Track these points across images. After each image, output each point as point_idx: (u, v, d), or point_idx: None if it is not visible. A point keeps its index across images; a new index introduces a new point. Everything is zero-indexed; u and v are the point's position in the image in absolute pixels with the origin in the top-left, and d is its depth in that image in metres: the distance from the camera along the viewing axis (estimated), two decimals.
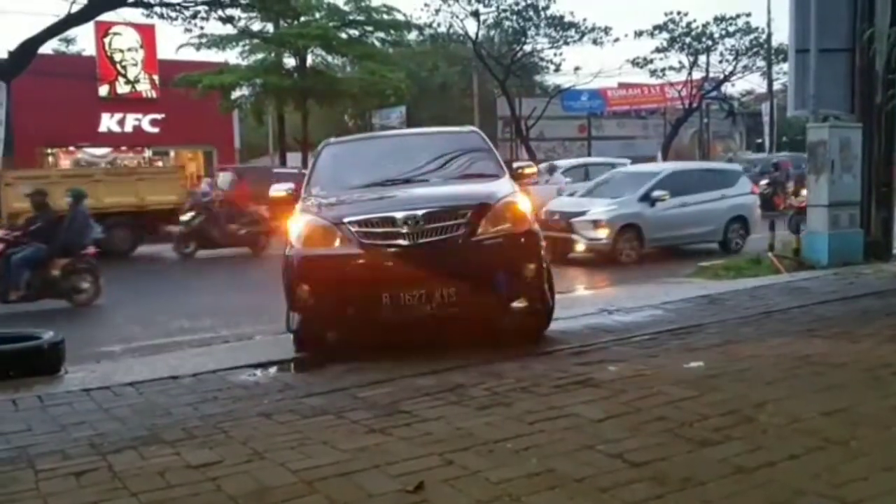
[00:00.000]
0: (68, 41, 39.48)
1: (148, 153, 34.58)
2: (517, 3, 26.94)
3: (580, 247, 13.23)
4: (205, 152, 34.76)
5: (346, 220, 5.86)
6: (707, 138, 35.12)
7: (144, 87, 32.48)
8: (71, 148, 31.78)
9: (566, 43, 27.75)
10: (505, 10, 27.08)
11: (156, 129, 32.86)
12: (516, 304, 6.06)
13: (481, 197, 6.04)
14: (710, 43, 29.84)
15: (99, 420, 4.55)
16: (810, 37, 10.86)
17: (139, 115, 32.54)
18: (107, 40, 31.28)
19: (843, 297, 7.46)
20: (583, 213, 13.39)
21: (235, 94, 28.54)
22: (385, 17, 27.73)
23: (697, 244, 14.11)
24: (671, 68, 31.02)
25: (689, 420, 3.74)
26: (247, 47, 27.18)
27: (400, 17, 27.80)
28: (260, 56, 27.63)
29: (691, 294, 8.09)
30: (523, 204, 6.15)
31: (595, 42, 28.28)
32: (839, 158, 10.84)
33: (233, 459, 3.56)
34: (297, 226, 6.14)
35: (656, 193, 13.32)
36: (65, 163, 31.79)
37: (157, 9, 21.73)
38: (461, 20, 28.34)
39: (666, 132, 33.57)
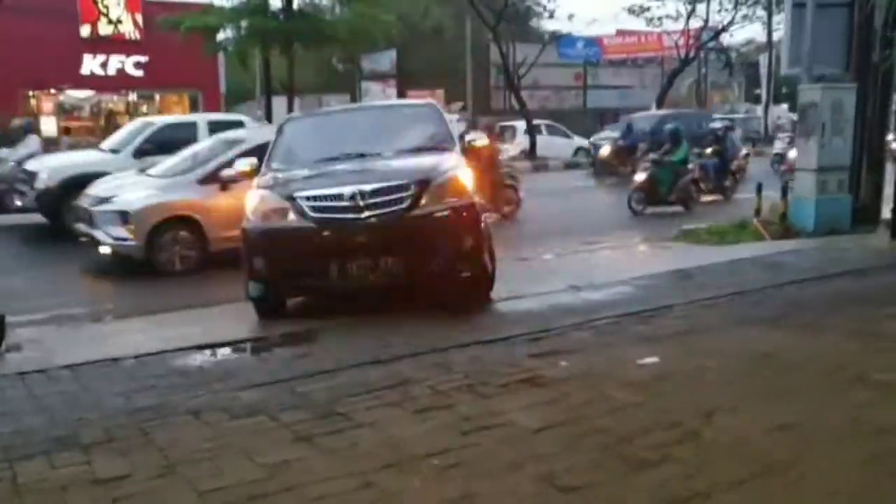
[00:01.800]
0: None
1: (133, 96, 33.97)
2: None
3: (104, 249, 9.26)
4: (190, 97, 34.10)
5: (297, 195, 6.29)
6: (704, 88, 34.53)
7: (128, 29, 31.65)
8: (52, 91, 31.13)
9: None
10: None
11: (140, 73, 32.09)
12: (462, 273, 6.31)
13: (424, 172, 6.39)
14: None
15: (25, 412, 4.35)
16: None
17: (122, 58, 31.72)
18: None
19: (820, 275, 7.25)
20: (109, 201, 9.46)
21: (221, 36, 27.76)
22: None
23: None
24: (668, 16, 30.30)
25: (630, 434, 3.53)
26: None
27: None
28: None
29: (666, 268, 7.85)
30: (465, 178, 6.49)
31: None
32: (830, 121, 10.53)
33: (143, 473, 3.35)
34: (253, 201, 6.54)
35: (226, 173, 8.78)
36: (47, 105, 31.24)
37: None
38: None
39: (663, 82, 32.95)
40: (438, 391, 4.29)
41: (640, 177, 14.09)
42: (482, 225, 6.51)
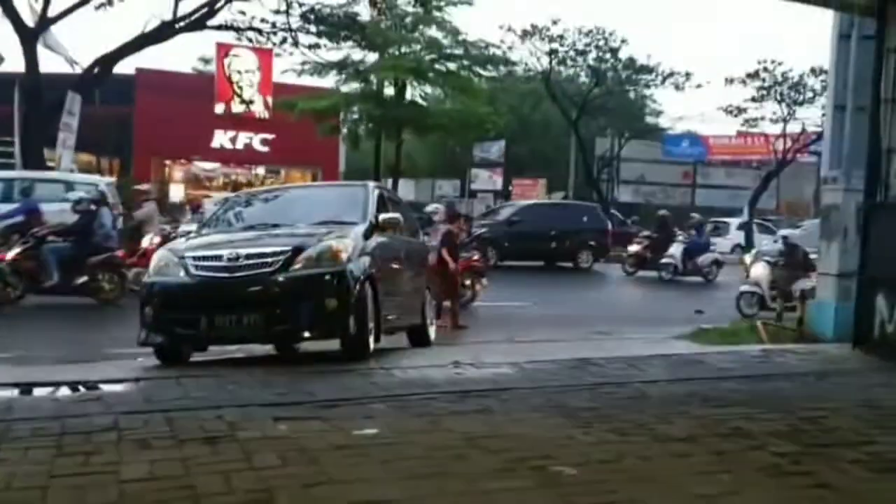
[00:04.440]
0: (206, 61, 41.64)
1: (260, 170, 36.15)
2: (589, 44, 26.25)
3: None
4: (312, 173, 35.83)
5: (186, 255, 6.97)
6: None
7: (258, 108, 33.87)
8: (183, 161, 33.56)
9: (647, 86, 26.80)
10: (581, 52, 26.41)
11: (265, 148, 34.16)
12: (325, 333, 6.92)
13: (300, 241, 6.91)
14: (810, 95, 27.72)
15: None
16: (848, 93, 9.91)
17: (251, 134, 33.92)
18: (227, 61, 32.87)
19: (713, 375, 6.59)
20: None
21: (334, 119, 29.34)
22: (484, 52, 27.84)
23: None
24: (764, 118, 29.14)
25: (208, 494, 3.30)
26: (342, 75, 27.95)
27: (498, 52, 27.83)
28: (356, 85, 28.32)
29: (575, 355, 7.40)
30: (340, 247, 6.90)
31: (677, 87, 27.24)
32: (854, 225, 9.80)
33: None
34: (154, 258, 7.38)
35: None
36: (178, 174, 33.74)
37: (248, 33, 22.79)
38: (537, 59, 27.95)
39: (780, 185, 31.46)
40: (125, 441, 4.20)
41: None
42: (351, 291, 6.75)
